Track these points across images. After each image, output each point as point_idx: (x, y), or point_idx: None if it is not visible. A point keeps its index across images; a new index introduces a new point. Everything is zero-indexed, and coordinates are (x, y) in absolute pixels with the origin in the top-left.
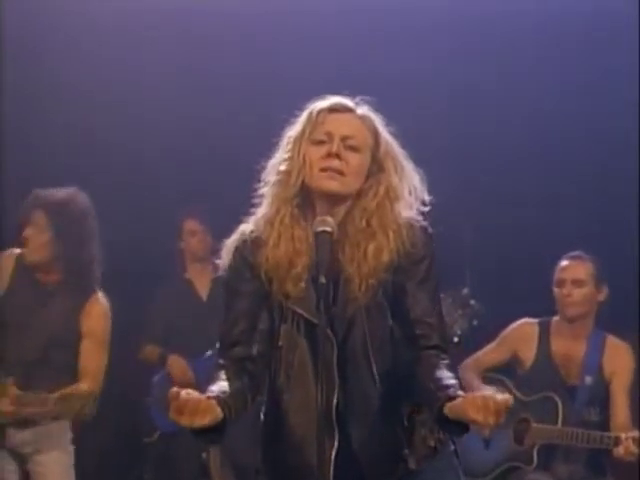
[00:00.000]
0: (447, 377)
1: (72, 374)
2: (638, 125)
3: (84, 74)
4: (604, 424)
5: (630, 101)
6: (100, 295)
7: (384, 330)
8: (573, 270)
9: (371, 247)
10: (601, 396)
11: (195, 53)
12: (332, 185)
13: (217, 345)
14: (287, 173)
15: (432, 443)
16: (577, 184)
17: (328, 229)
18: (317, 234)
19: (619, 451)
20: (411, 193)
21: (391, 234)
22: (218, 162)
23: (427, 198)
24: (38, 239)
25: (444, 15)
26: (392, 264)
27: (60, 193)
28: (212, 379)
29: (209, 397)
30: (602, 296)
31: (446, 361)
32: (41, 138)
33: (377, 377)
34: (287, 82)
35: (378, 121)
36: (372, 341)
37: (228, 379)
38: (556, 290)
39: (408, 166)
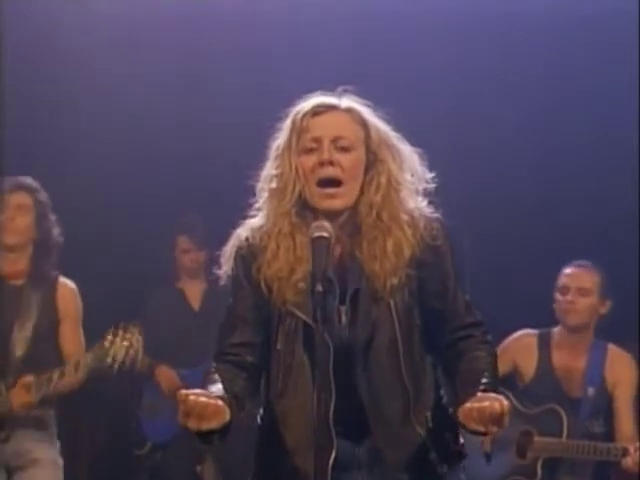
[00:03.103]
0: (477, 375)
1: (58, 360)
2: (639, 128)
3: (83, 79)
4: (608, 435)
5: (631, 102)
6: (66, 280)
7: (412, 331)
8: (579, 278)
9: (390, 243)
10: (604, 407)
11: (195, 59)
12: (333, 205)
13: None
14: (281, 190)
15: (456, 448)
16: (579, 193)
17: (325, 234)
18: (313, 240)
19: (627, 462)
20: (413, 175)
21: (406, 227)
22: (217, 167)
23: (429, 176)
24: (22, 219)
25: (443, 17)
26: (414, 259)
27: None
28: (207, 381)
29: (217, 397)
30: (604, 309)
31: (490, 358)
32: (39, 142)
33: (406, 379)
34: (287, 86)
35: (365, 110)
36: (402, 342)
37: (228, 381)
38: (558, 297)
39: (405, 149)
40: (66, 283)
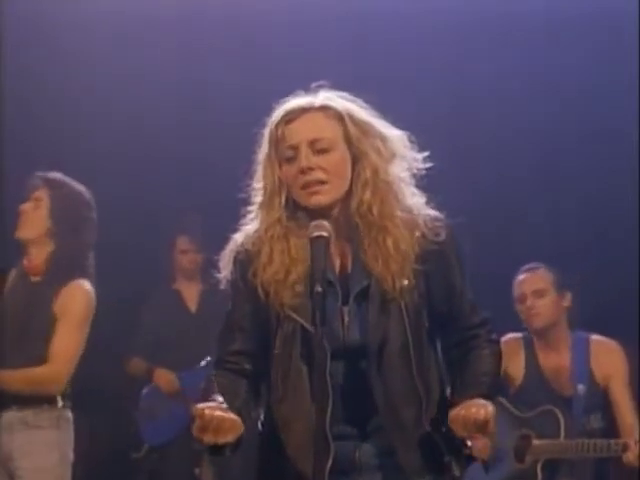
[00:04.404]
0: (476, 377)
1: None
2: (639, 128)
3: (83, 79)
4: (608, 430)
5: (631, 102)
6: (84, 282)
7: (421, 332)
8: (531, 282)
9: (389, 241)
10: (599, 401)
11: (195, 59)
12: (317, 200)
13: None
14: (268, 202)
15: (467, 451)
16: (579, 193)
17: (324, 234)
18: (312, 240)
19: (628, 457)
20: (404, 160)
21: (402, 225)
22: (217, 168)
23: (420, 156)
24: (35, 213)
25: (443, 17)
26: (418, 257)
27: (66, 178)
28: (208, 389)
29: (229, 409)
30: (567, 301)
31: (492, 358)
32: (38, 142)
33: (417, 382)
34: (288, 87)
35: (341, 104)
36: (414, 345)
37: (233, 392)
38: (518, 306)
39: (391, 135)
40: (78, 284)
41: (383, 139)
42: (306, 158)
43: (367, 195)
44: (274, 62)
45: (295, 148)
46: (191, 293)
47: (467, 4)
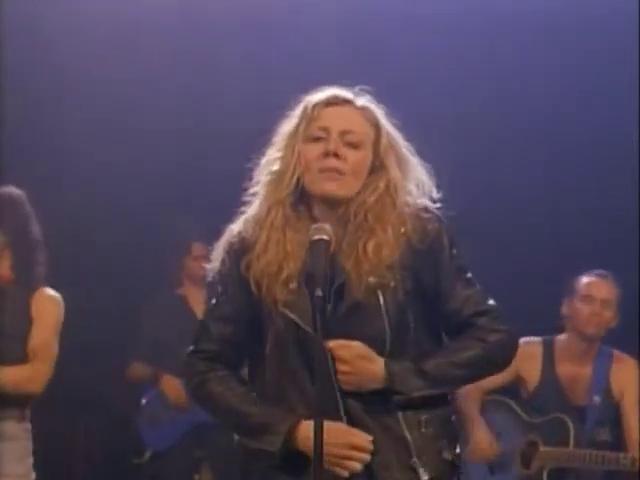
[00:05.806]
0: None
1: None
2: (639, 128)
3: (83, 82)
4: (614, 444)
5: (631, 102)
6: (48, 289)
7: (404, 332)
8: (603, 289)
9: (371, 244)
10: (611, 415)
11: (194, 67)
12: (331, 186)
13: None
14: (280, 173)
15: (449, 457)
16: (579, 194)
17: (325, 237)
18: (312, 242)
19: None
20: (418, 187)
21: (390, 229)
22: (218, 171)
23: (436, 195)
24: None
25: (443, 20)
26: (404, 256)
27: None
28: (190, 372)
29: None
30: (615, 321)
31: (470, 340)
32: (39, 145)
33: None
34: (288, 90)
35: (379, 112)
36: (392, 344)
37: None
38: (580, 306)
39: (413, 160)
40: (48, 291)
41: (405, 160)
42: (335, 143)
43: (370, 200)
44: (274, 65)
45: (326, 130)
46: (198, 298)
47: (467, 4)
